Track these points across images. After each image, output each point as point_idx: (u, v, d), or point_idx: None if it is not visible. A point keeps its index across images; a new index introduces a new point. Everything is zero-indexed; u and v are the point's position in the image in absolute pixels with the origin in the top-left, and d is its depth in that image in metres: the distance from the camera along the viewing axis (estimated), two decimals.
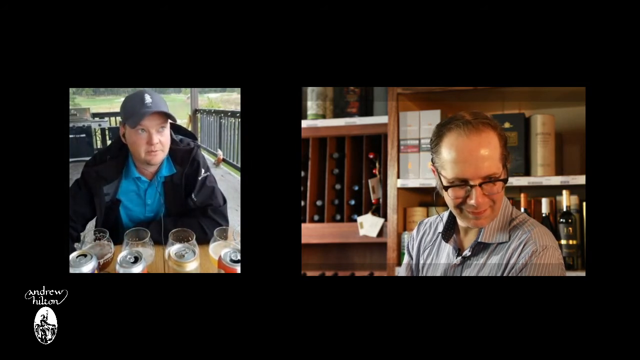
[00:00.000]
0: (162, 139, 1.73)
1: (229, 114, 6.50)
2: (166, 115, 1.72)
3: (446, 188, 1.28)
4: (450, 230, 1.40)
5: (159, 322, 1.46)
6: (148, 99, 1.70)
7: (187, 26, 1.52)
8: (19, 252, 1.46)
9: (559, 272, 1.27)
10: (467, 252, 1.35)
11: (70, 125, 6.39)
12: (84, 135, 6.80)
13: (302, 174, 2.41)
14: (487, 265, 1.32)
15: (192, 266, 1.44)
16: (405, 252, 1.55)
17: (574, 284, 1.45)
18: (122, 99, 1.80)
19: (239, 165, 5.46)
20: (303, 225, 2.35)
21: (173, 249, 1.46)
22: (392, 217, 2.18)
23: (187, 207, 1.80)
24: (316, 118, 2.43)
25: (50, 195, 1.48)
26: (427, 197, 2.34)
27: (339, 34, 1.53)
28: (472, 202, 1.26)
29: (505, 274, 1.29)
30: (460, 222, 1.36)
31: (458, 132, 1.25)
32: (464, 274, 1.35)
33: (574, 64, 1.50)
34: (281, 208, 1.53)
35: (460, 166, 1.25)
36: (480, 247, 1.34)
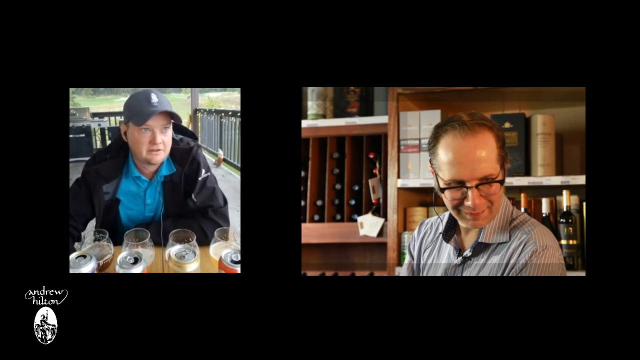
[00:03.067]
0: (165, 139, 1.73)
1: (230, 113, 6.48)
2: (172, 116, 1.72)
3: (443, 190, 1.28)
4: (451, 230, 1.40)
5: (159, 322, 1.46)
6: (154, 98, 1.70)
7: (187, 26, 1.52)
8: (19, 252, 1.46)
9: (560, 272, 1.27)
10: (467, 252, 1.35)
11: (70, 125, 6.37)
12: (83, 135, 6.78)
13: (302, 174, 2.41)
14: (488, 265, 1.32)
15: (192, 267, 1.44)
16: (407, 252, 1.55)
17: (574, 284, 1.45)
18: (122, 98, 1.80)
19: (239, 165, 5.44)
20: (303, 225, 2.35)
21: (173, 249, 1.46)
22: (392, 217, 2.18)
23: (187, 208, 1.80)
24: (316, 118, 2.43)
25: (50, 195, 1.48)
26: (427, 197, 2.34)
27: (339, 34, 1.53)
28: (468, 203, 1.25)
29: (505, 274, 1.29)
30: (460, 223, 1.36)
31: (454, 133, 1.25)
32: (464, 274, 1.35)
33: (574, 64, 1.50)
34: (281, 208, 1.53)
35: (456, 168, 1.24)
36: (480, 247, 1.34)
